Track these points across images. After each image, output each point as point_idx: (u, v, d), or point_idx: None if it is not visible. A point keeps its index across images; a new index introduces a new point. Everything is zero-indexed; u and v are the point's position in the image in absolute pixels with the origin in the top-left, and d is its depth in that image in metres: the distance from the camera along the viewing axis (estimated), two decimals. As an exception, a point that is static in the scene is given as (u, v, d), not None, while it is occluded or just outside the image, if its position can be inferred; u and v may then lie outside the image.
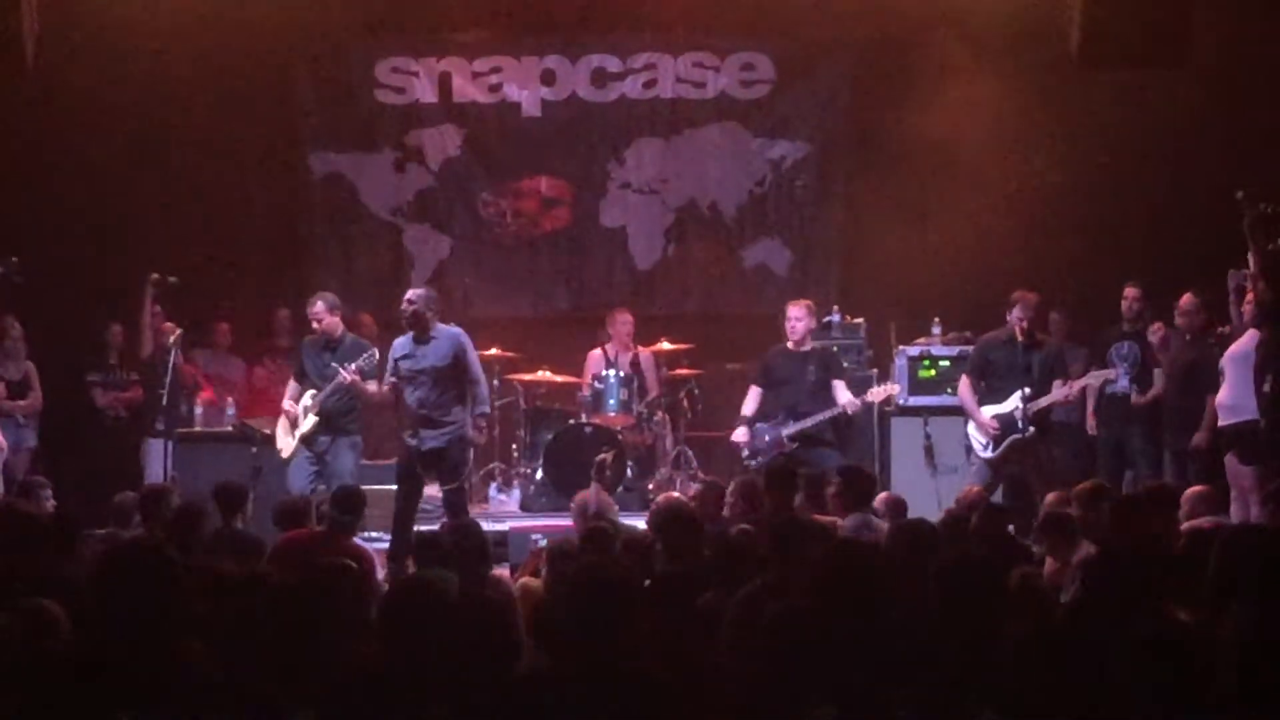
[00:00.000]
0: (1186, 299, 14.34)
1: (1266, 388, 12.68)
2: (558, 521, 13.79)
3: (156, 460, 15.06)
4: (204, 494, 11.42)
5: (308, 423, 14.07)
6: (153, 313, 15.51)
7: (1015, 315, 14.06)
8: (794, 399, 14.51)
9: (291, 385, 14.46)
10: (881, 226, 17.11)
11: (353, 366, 13.81)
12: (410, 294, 13.79)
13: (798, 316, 14.63)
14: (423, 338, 13.56)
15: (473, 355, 13.75)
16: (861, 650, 6.27)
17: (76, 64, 16.56)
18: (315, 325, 14.29)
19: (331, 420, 14.10)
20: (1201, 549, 7.63)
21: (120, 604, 6.30)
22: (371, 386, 13.93)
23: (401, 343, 13.66)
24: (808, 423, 14.39)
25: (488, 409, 14.19)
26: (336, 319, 14.33)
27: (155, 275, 15.30)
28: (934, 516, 13.60)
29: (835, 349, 15.38)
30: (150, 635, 6.20)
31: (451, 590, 7.85)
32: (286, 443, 14.25)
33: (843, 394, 14.44)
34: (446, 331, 13.68)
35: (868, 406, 14.98)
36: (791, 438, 14.42)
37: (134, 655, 6.12)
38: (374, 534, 13.86)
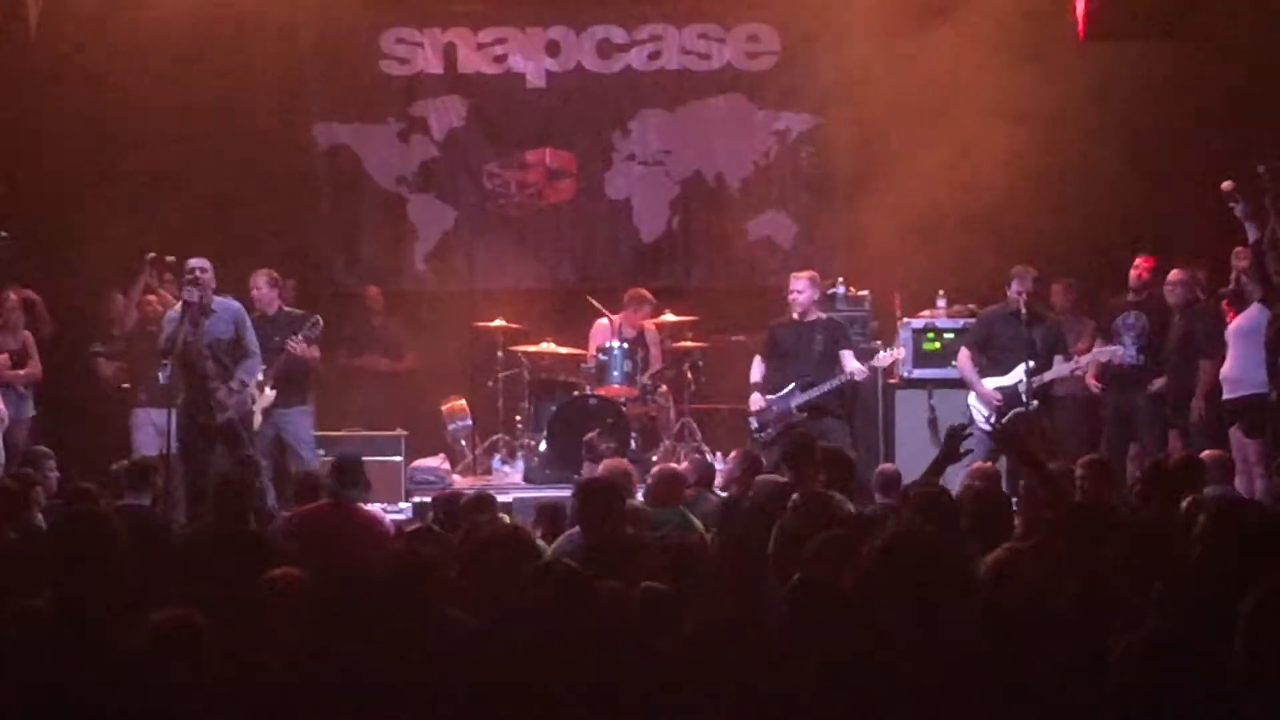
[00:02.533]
0: (1175, 273, 14.33)
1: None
2: (562, 493, 13.75)
3: (144, 431, 15.12)
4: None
5: (266, 396, 14.28)
6: (149, 289, 15.50)
7: (1014, 289, 14.07)
8: (801, 370, 14.54)
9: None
10: (886, 198, 17.08)
11: (299, 336, 14.28)
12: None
13: (799, 289, 14.65)
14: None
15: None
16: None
17: (79, 36, 16.55)
18: (254, 295, 14.63)
19: (287, 390, 14.39)
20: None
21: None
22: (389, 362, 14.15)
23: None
24: (814, 393, 14.41)
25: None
26: (275, 293, 14.76)
27: (152, 254, 15.36)
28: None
29: (839, 321, 15.36)
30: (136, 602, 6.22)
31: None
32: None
33: (850, 362, 14.46)
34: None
35: (874, 374, 15.00)
36: (800, 408, 14.43)
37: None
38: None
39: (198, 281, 13.44)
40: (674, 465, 11.53)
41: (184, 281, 13.57)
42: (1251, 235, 13.21)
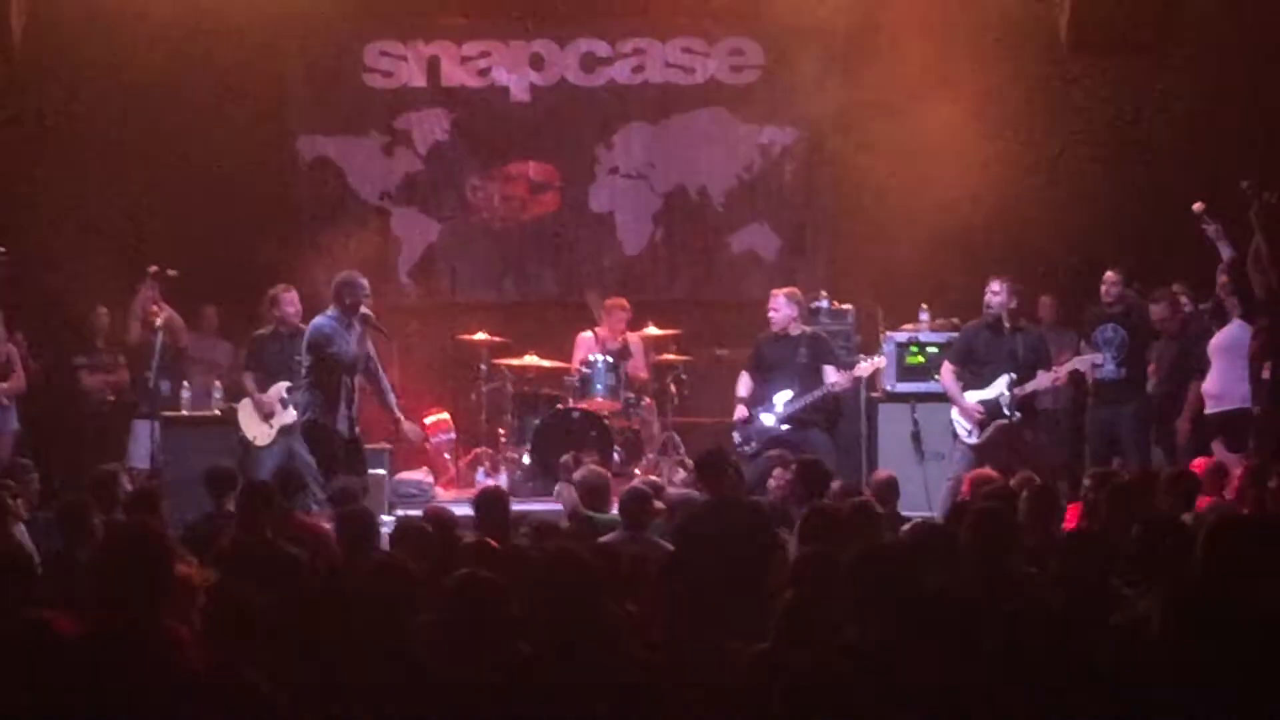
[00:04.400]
0: (1159, 309, 14.38)
1: (1266, 374, 12.73)
2: (545, 506, 13.76)
3: (140, 442, 15.14)
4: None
5: (289, 414, 14.48)
6: (151, 300, 15.50)
7: (993, 298, 14.09)
8: (785, 384, 14.55)
9: (251, 376, 14.93)
10: (869, 212, 17.12)
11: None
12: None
13: (776, 306, 14.72)
14: None
15: None
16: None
17: (64, 48, 16.56)
18: (288, 312, 14.75)
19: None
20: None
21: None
22: None
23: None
24: (795, 405, 14.42)
25: None
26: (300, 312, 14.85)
27: (154, 267, 15.35)
28: (921, 502, 13.80)
29: (823, 336, 15.37)
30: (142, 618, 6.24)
31: None
32: (262, 430, 14.72)
33: (830, 375, 14.49)
34: None
35: (856, 384, 15.01)
36: (782, 421, 14.45)
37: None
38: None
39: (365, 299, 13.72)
40: (641, 485, 11.51)
41: (360, 299, 13.70)
42: (1225, 254, 13.30)
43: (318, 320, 13.75)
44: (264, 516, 9.70)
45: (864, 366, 14.78)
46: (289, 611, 7.00)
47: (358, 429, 13.90)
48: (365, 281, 13.87)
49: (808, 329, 14.90)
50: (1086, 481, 10.84)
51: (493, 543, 8.86)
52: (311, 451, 13.51)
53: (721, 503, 10.46)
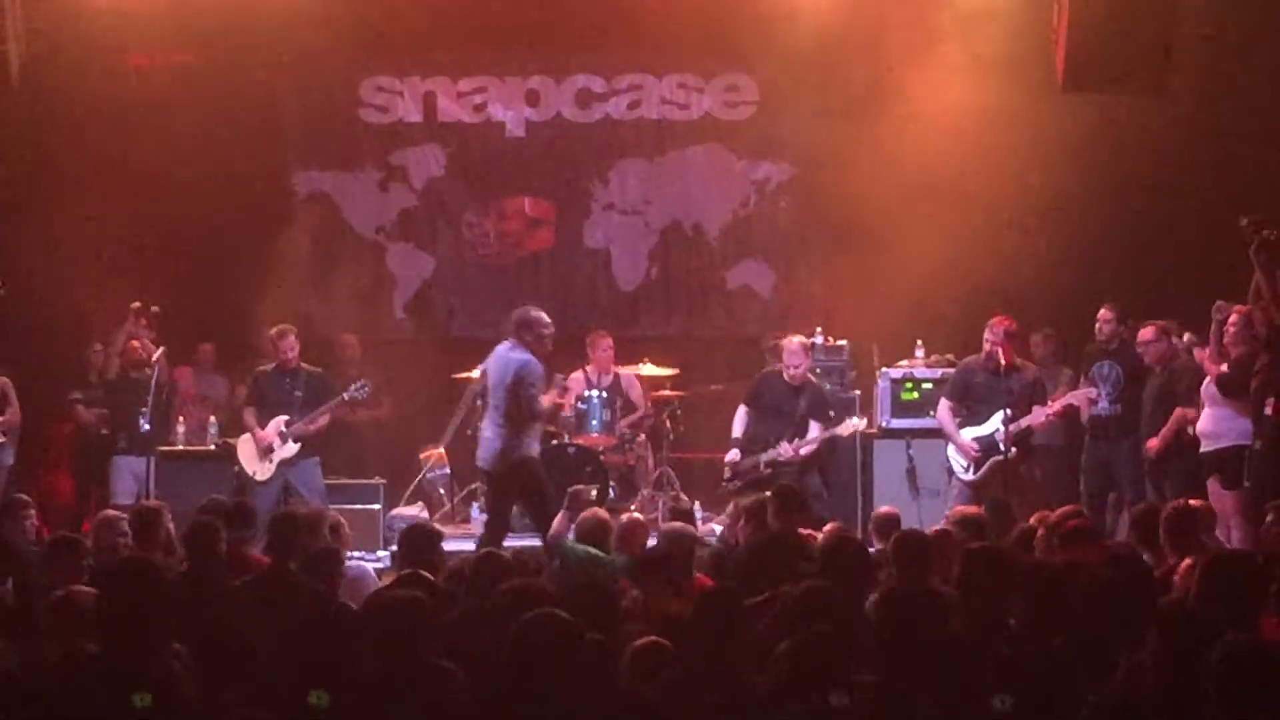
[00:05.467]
0: (1146, 332, 14.37)
1: (1269, 410, 12.75)
2: (540, 542, 13.74)
3: (122, 478, 15.15)
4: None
5: (288, 449, 14.81)
6: (132, 336, 15.53)
7: (990, 339, 14.12)
8: (779, 430, 14.57)
9: (251, 411, 15.09)
10: (864, 248, 17.14)
11: (345, 397, 15.03)
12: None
13: (796, 363, 14.69)
14: None
15: None
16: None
17: (62, 83, 16.56)
18: (289, 356, 14.99)
19: (307, 443, 14.89)
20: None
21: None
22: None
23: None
24: (773, 454, 14.48)
25: None
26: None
27: (137, 304, 15.40)
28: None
29: (825, 386, 15.36)
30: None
31: None
32: (262, 466, 14.88)
33: (812, 432, 14.49)
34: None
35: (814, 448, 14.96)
36: (767, 464, 14.48)
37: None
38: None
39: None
40: (638, 517, 11.59)
41: (544, 334, 13.79)
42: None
43: (527, 359, 13.63)
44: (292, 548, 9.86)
45: (846, 425, 14.70)
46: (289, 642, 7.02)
47: None
48: (546, 316, 13.90)
49: (812, 380, 14.94)
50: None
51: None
52: (524, 489, 13.47)
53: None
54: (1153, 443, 14.08)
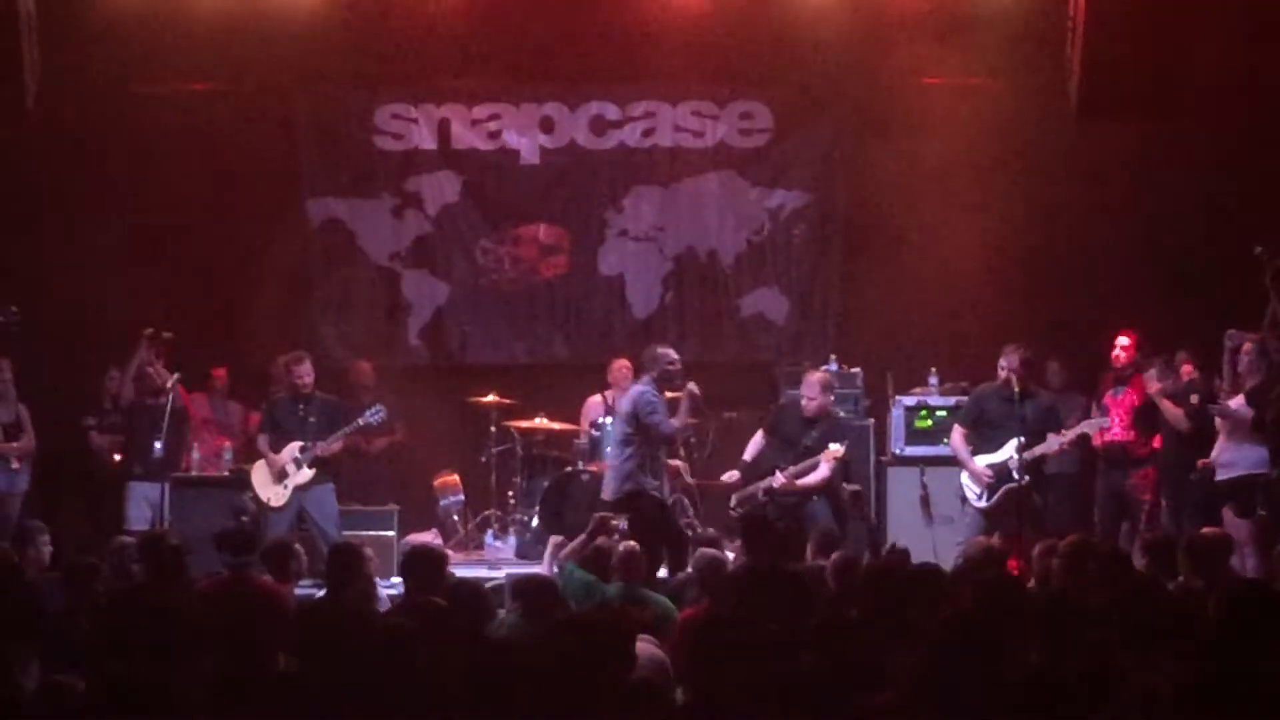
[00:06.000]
0: (1150, 375, 14.42)
1: None
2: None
3: (136, 504, 15.17)
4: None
5: (303, 474, 14.88)
6: (145, 362, 15.56)
7: (1005, 366, 14.12)
8: (784, 459, 14.55)
9: (265, 438, 15.20)
10: (879, 276, 17.15)
11: (360, 423, 15.10)
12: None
13: (811, 395, 14.67)
14: None
15: None
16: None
17: (76, 108, 16.62)
18: (305, 381, 15.04)
19: (321, 469, 14.96)
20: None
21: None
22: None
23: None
24: (770, 482, 14.44)
25: None
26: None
27: (149, 330, 15.43)
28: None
29: (841, 423, 15.29)
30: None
31: None
32: (277, 492, 14.92)
33: (821, 468, 14.44)
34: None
35: (850, 456, 14.91)
36: (766, 491, 14.45)
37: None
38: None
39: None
40: (634, 545, 11.62)
41: (670, 370, 14.16)
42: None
43: (643, 389, 14.05)
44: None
45: (826, 454, 14.58)
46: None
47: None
48: (673, 352, 14.33)
49: (832, 414, 14.89)
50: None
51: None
52: (634, 520, 13.41)
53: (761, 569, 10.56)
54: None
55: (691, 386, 14.21)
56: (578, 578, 11.25)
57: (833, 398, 14.99)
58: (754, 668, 6.85)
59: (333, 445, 14.99)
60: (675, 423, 14.06)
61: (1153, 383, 14.40)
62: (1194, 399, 14.11)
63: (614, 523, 12.64)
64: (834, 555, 10.65)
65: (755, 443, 14.95)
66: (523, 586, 10.09)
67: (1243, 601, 6.97)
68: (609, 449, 16.16)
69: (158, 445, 14.93)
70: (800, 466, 14.39)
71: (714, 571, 10.50)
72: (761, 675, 6.72)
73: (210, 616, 9.40)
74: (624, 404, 14.29)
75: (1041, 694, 6.45)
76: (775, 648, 7.28)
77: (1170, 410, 14.32)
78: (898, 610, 8.13)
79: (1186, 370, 14.75)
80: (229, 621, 8.73)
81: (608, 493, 14.15)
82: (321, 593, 11.04)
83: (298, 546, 11.48)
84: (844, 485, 14.88)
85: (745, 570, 10.69)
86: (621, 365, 16.86)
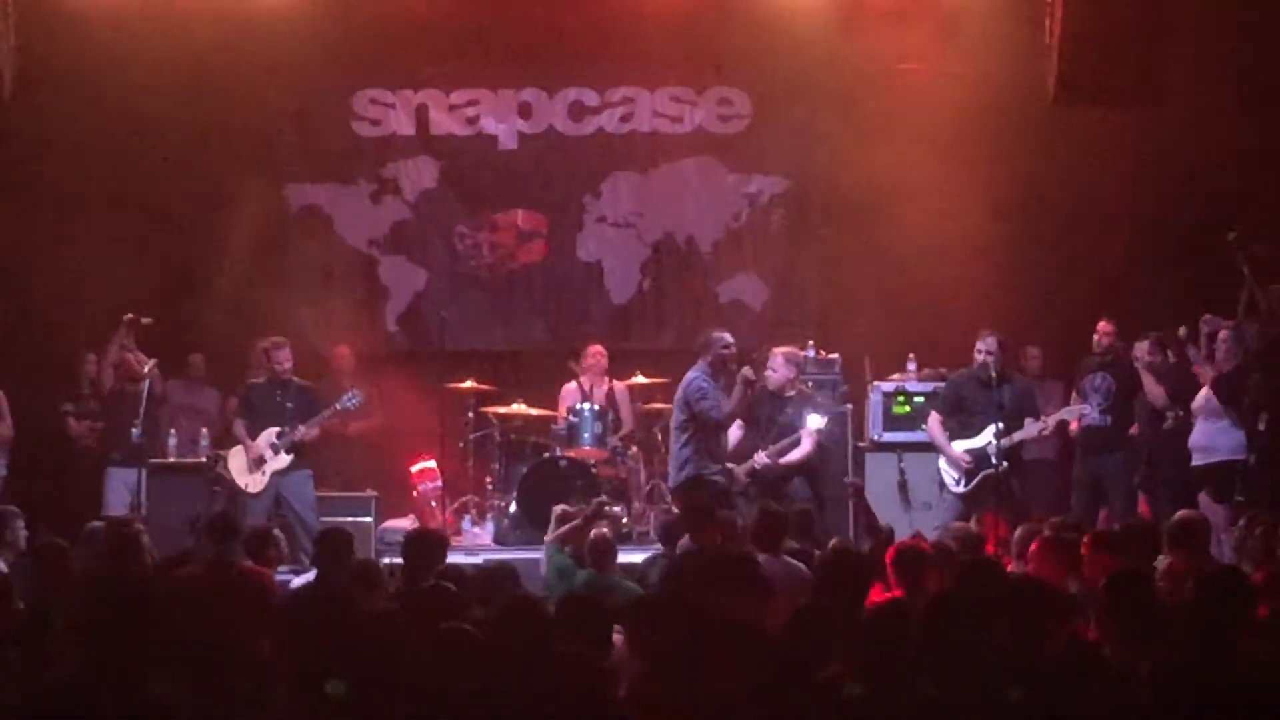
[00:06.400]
0: (1142, 347, 14.41)
1: (1262, 425, 12.77)
2: (533, 555, 13.74)
3: (115, 490, 15.15)
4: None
5: (280, 460, 14.84)
6: (123, 348, 15.52)
7: (982, 351, 14.11)
8: (765, 439, 14.49)
9: (242, 423, 15.11)
10: (857, 262, 17.16)
11: (337, 407, 15.06)
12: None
13: (773, 367, 14.62)
14: None
15: None
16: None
17: (55, 97, 16.61)
18: (284, 367, 15.04)
19: (299, 456, 14.92)
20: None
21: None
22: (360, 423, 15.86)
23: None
24: (755, 464, 14.38)
25: None
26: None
27: (129, 315, 15.40)
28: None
29: (814, 397, 15.28)
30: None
31: None
32: (254, 478, 14.89)
33: (804, 443, 14.39)
34: None
35: (826, 439, 14.88)
36: (749, 474, 14.39)
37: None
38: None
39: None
40: (605, 532, 11.66)
41: (725, 354, 14.21)
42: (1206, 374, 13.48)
43: (693, 376, 14.08)
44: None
45: (805, 430, 14.53)
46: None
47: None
48: (728, 336, 14.31)
49: (805, 389, 14.85)
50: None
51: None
52: (684, 506, 13.34)
53: (707, 551, 10.59)
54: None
55: (746, 371, 14.15)
56: (555, 561, 11.32)
57: (799, 372, 14.94)
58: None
59: (310, 431, 14.96)
60: (726, 408, 13.97)
61: (1143, 353, 14.34)
62: (1172, 418, 14.10)
63: (610, 508, 12.65)
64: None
65: (733, 435, 14.92)
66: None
67: (1218, 586, 6.98)
68: (585, 435, 16.22)
69: (136, 431, 14.89)
70: (781, 445, 14.36)
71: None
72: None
73: (193, 602, 9.44)
74: (679, 390, 14.24)
75: (1020, 676, 6.46)
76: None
77: (1152, 387, 14.31)
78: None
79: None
80: (212, 607, 8.74)
81: (670, 480, 14.25)
82: (298, 580, 11.05)
83: (277, 533, 11.53)
84: (847, 478, 14.93)
85: (693, 553, 10.76)
86: (595, 351, 16.86)
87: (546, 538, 12.16)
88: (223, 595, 9.05)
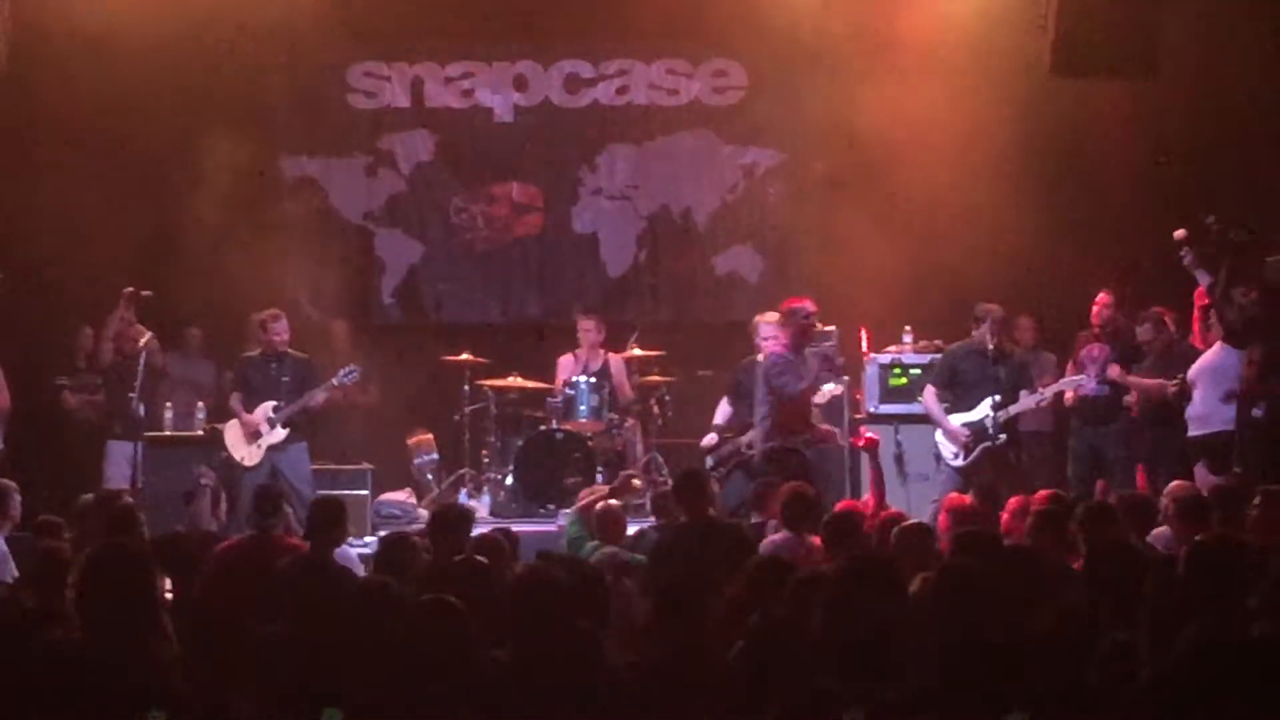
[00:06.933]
0: (1145, 330, 14.42)
1: (1259, 412, 12.76)
2: (529, 527, 13.78)
3: (115, 463, 15.14)
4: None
5: (276, 434, 14.80)
6: (124, 321, 15.50)
7: (981, 326, 14.08)
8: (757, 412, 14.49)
9: (237, 397, 15.11)
10: (853, 234, 17.14)
11: (334, 382, 14.89)
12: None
13: (767, 335, 14.56)
14: None
15: None
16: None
17: (49, 68, 16.55)
18: (280, 339, 14.99)
19: (295, 429, 14.87)
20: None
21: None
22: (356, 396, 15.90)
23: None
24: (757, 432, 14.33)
25: None
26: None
27: (129, 289, 15.36)
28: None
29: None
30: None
31: None
32: (251, 451, 14.84)
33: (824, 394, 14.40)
34: None
35: (824, 410, 14.86)
36: (749, 445, 14.39)
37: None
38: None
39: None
40: (614, 504, 11.66)
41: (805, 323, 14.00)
42: (1203, 280, 13.37)
43: (772, 348, 14.05)
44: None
45: (823, 393, 14.55)
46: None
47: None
48: (809, 305, 14.14)
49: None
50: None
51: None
52: (782, 477, 13.11)
53: (699, 523, 10.61)
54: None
55: (827, 347, 14.13)
56: (570, 532, 11.36)
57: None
58: None
59: (314, 399, 14.88)
60: (802, 384, 13.83)
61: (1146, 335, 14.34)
62: (1172, 386, 14.05)
63: (635, 481, 12.66)
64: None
65: (722, 411, 14.89)
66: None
67: (1211, 556, 6.96)
68: (581, 407, 16.23)
69: (137, 403, 14.87)
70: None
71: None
72: None
73: (233, 578, 9.47)
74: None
75: (1021, 649, 6.46)
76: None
77: (1143, 383, 14.33)
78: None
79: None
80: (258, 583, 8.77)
81: (757, 454, 14.11)
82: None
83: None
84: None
85: (684, 526, 10.77)
86: (589, 325, 16.85)
87: (575, 506, 12.24)
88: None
